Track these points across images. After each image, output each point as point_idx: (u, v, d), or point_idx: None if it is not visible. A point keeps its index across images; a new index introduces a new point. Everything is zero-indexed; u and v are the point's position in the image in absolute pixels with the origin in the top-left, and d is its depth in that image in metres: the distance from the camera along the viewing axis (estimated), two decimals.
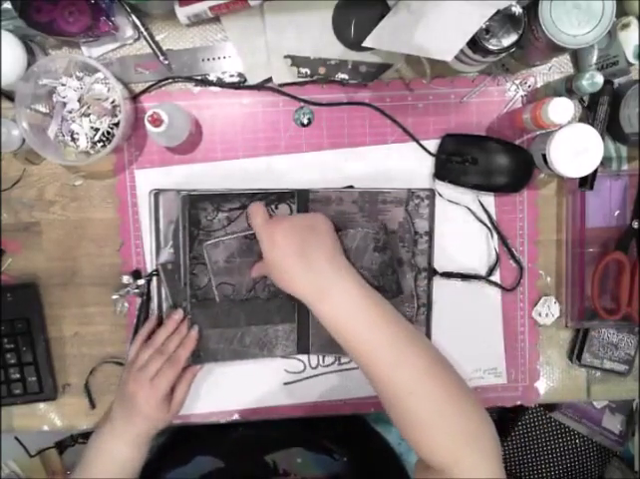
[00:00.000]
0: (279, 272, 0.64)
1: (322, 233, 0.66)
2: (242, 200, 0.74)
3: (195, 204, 0.73)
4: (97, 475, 0.70)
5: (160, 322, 0.76)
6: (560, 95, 0.71)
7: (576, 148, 0.67)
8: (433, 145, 0.76)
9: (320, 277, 0.62)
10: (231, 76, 0.75)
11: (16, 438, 1.17)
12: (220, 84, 0.75)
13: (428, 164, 0.76)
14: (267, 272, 0.67)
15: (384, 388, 0.61)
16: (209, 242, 0.72)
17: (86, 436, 1.26)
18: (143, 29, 0.73)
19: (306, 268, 0.62)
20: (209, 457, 0.84)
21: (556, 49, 0.66)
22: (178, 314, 0.74)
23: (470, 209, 0.77)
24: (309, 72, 0.72)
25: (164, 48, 0.74)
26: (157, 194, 0.75)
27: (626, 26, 0.70)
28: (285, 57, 0.72)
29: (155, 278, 0.76)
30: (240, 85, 0.75)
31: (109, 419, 0.72)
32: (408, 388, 0.59)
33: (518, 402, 0.80)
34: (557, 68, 0.76)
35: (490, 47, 0.65)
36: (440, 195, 0.76)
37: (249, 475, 0.80)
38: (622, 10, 0.70)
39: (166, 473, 0.84)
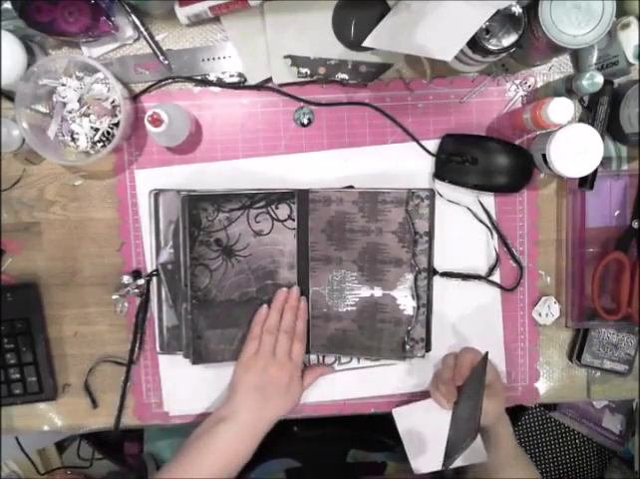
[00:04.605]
0: None
1: None
2: (242, 200, 0.74)
3: (196, 204, 0.73)
4: (212, 464, 0.69)
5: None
6: (560, 95, 0.71)
7: (576, 148, 0.67)
8: (433, 145, 0.76)
9: None
10: (231, 76, 0.75)
11: (16, 438, 1.17)
12: (220, 84, 0.75)
13: (428, 164, 0.76)
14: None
15: None
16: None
17: (87, 437, 1.27)
18: (143, 29, 0.73)
19: None
20: (282, 459, 0.86)
21: (556, 49, 0.66)
22: (282, 292, 0.75)
23: (470, 209, 0.77)
24: (309, 72, 0.72)
25: (164, 48, 0.74)
26: (157, 194, 0.75)
27: (626, 26, 0.70)
28: (285, 57, 0.72)
29: (155, 278, 0.76)
30: (240, 85, 0.75)
31: (225, 421, 0.70)
32: None
33: (518, 402, 0.80)
34: (557, 68, 0.76)
35: (490, 47, 0.65)
36: (440, 195, 0.76)
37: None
38: (622, 10, 0.70)
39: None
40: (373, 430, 0.92)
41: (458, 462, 0.70)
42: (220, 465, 0.69)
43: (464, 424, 0.66)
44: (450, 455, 0.65)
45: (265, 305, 0.75)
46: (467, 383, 0.69)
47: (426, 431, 0.72)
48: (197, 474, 0.67)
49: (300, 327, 0.74)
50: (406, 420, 0.74)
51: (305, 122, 0.75)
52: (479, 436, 0.70)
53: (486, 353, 0.67)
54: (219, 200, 0.74)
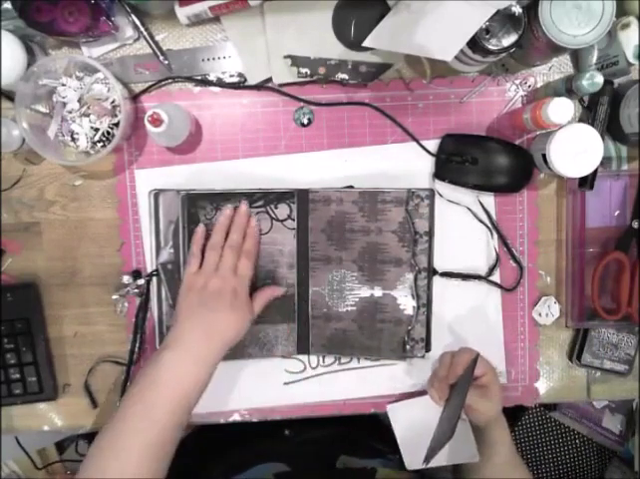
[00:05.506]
0: None
1: None
2: (240, 199, 0.74)
3: (194, 202, 0.73)
4: (158, 405, 0.61)
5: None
6: (560, 95, 0.71)
7: (576, 148, 0.67)
8: (433, 145, 0.76)
9: None
10: (231, 76, 0.75)
11: (16, 438, 1.17)
12: (220, 84, 0.75)
13: (428, 164, 0.76)
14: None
15: None
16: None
17: (87, 437, 1.27)
18: (143, 29, 0.73)
19: None
20: (271, 463, 0.83)
21: (556, 49, 0.67)
22: (229, 209, 0.72)
23: (470, 209, 0.77)
24: (309, 72, 0.72)
25: (164, 48, 0.74)
26: (156, 194, 0.75)
27: (626, 26, 0.70)
28: (285, 57, 0.72)
29: (155, 278, 0.76)
30: (240, 85, 0.75)
31: (168, 348, 0.63)
32: None
33: (518, 402, 0.80)
34: (557, 68, 0.76)
35: (490, 47, 0.65)
36: (440, 195, 0.76)
37: None
38: (622, 10, 0.70)
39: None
40: (368, 436, 0.91)
41: (444, 460, 0.70)
42: (170, 394, 0.61)
43: (447, 422, 0.66)
44: (430, 453, 0.65)
45: (202, 224, 0.71)
46: (458, 382, 0.69)
47: (420, 428, 0.72)
48: (149, 408, 0.61)
49: (248, 245, 0.70)
50: (400, 416, 0.74)
51: (305, 122, 0.76)
52: (473, 436, 0.71)
53: (477, 355, 0.67)
54: (217, 198, 0.74)
